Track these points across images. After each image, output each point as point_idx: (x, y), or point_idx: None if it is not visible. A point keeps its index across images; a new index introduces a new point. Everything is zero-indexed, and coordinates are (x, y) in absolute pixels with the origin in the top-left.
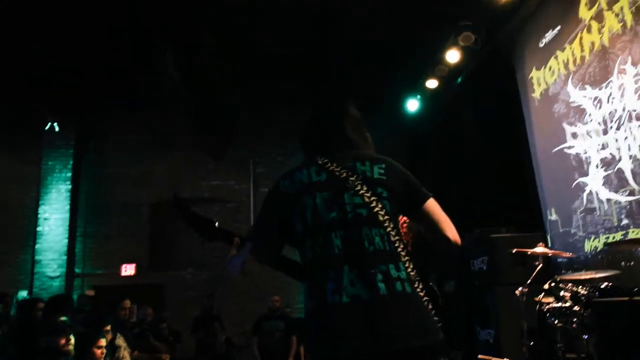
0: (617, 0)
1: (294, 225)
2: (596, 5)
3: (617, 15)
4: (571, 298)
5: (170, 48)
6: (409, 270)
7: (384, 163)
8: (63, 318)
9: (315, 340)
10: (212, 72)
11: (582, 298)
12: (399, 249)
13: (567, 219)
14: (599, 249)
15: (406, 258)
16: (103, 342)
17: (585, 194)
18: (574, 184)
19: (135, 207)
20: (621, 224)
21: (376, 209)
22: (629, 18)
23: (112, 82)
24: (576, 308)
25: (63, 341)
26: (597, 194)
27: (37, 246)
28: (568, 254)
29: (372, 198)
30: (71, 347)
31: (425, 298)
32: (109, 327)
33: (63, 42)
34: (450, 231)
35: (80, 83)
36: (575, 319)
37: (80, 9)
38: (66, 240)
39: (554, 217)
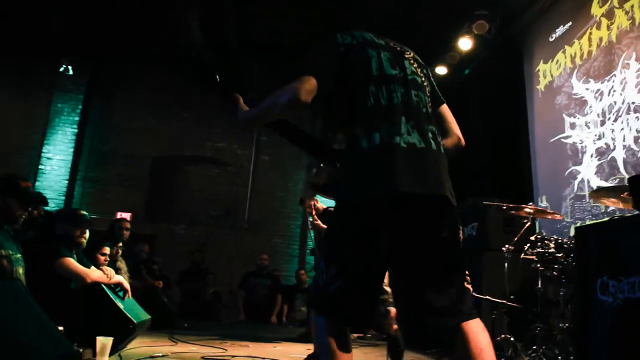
0: None
1: (350, 73)
2: (608, 3)
3: (627, 12)
4: (555, 246)
5: (195, 7)
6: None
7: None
8: (83, 212)
9: (368, 176)
10: (232, 36)
11: (565, 246)
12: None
13: (557, 206)
14: None
15: None
16: (107, 250)
17: (576, 182)
18: (567, 172)
19: (137, 159)
20: (608, 210)
21: (425, 82)
22: (638, 15)
23: (131, 34)
24: (559, 255)
25: (78, 232)
26: (588, 182)
27: (37, 183)
28: (558, 215)
29: (421, 73)
30: (84, 240)
31: None
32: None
33: None
34: (459, 132)
35: (98, 30)
36: (556, 266)
37: None
38: (66, 182)
39: (544, 204)
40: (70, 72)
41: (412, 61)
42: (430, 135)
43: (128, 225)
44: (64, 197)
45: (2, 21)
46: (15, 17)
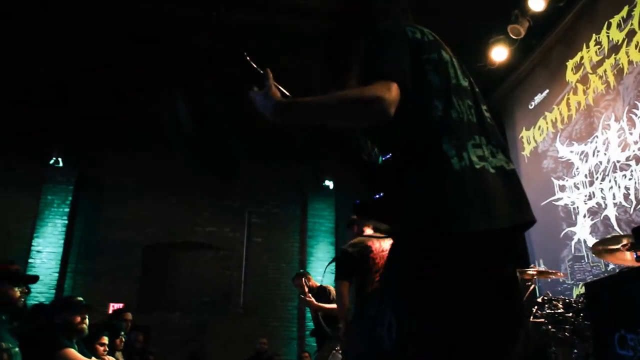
0: (601, 64)
1: (425, 76)
2: (581, 70)
3: (600, 77)
4: (564, 306)
5: (180, 94)
6: None
7: None
8: (80, 298)
9: (469, 203)
10: (217, 121)
11: (574, 305)
12: None
13: (555, 268)
14: None
15: None
16: (106, 340)
17: (573, 243)
18: (562, 234)
19: (128, 248)
20: (608, 269)
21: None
22: (611, 79)
23: (116, 123)
24: (569, 315)
25: (78, 319)
26: (584, 242)
27: None
28: (560, 274)
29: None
30: (85, 326)
31: None
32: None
33: (74, 81)
34: None
35: (86, 121)
36: (567, 326)
37: (91, 51)
38: (57, 275)
39: (542, 267)
40: (61, 164)
41: (459, 65)
42: (506, 153)
43: (130, 317)
44: (54, 290)
45: None
46: (4, 111)
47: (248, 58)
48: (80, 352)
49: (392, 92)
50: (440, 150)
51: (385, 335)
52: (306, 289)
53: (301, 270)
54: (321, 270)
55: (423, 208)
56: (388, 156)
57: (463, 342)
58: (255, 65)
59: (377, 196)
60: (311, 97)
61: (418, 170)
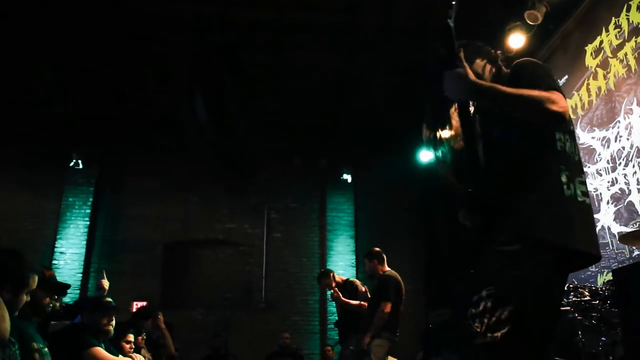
0: (622, 48)
1: None
2: (601, 54)
3: (621, 61)
4: (590, 293)
5: (199, 93)
6: None
7: None
8: (109, 299)
9: (572, 225)
10: (236, 119)
11: (601, 292)
12: None
13: None
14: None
15: None
16: (132, 337)
17: (597, 230)
18: None
19: (149, 247)
20: (633, 255)
21: None
22: (632, 62)
23: (135, 123)
24: (595, 302)
25: (105, 320)
26: (608, 229)
27: None
28: None
29: None
30: (111, 328)
31: None
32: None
33: (91, 82)
34: None
35: (104, 122)
36: (594, 314)
37: (109, 51)
38: (80, 275)
39: None
40: (80, 166)
41: None
42: None
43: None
44: (78, 291)
45: (12, 120)
46: (23, 115)
47: (453, 33)
48: (107, 350)
49: (566, 103)
50: (556, 176)
51: (477, 316)
52: (334, 283)
53: (323, 270)
54: (342, 264)
55: (536, 222)
56: (498, 166)
57: (540, 333)
58: (455, 45)
59: (474, 195)
60: (500, 86)
61: (533, 188)
